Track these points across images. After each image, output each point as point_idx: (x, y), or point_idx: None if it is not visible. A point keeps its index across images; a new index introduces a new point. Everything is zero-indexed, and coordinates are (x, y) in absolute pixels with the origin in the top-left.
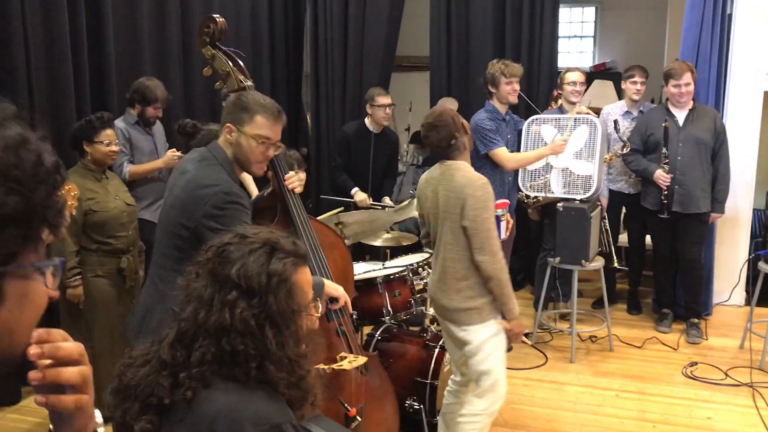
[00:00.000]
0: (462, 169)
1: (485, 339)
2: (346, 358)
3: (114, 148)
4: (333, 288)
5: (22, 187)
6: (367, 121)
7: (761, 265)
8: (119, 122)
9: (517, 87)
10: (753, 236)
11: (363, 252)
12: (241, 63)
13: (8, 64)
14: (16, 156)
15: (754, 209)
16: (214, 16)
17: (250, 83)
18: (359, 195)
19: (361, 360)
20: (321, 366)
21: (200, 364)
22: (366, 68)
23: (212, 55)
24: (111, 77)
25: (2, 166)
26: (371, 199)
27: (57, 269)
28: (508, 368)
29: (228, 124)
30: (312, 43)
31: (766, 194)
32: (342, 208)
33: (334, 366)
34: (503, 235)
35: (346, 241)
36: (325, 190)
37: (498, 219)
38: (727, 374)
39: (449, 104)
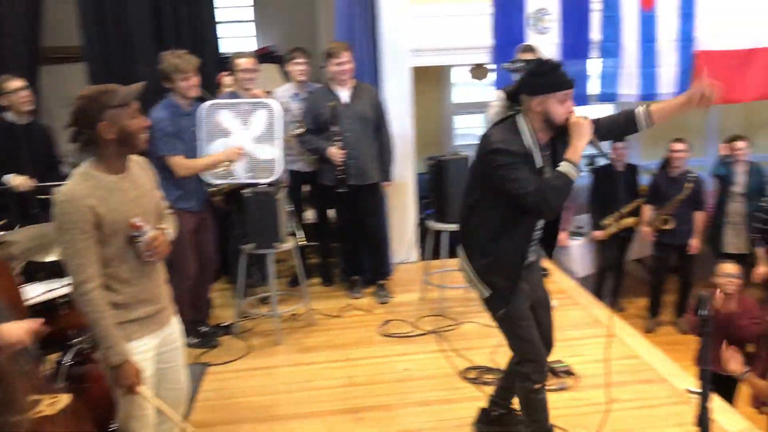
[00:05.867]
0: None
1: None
2: (41, 401)
3: None
4: (6, 333)
5: None
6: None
7: (429, 223)
8: None
9: (196, 80)
10: (420, 198)
11: (35, 271)
12: None
13: None
14: None
15: (417, 174)
16: None
17: None
18: (16, 179)
19: (64, 399)
20: (17, 418)
21: None
22: (9, 63)
23: None
24: None
25: None
26: (35, 181)
27: None
28: (215, 364)
29: None
30: None
31: (425, 160)
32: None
33: (33, 414)
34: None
35: (14, 262)
36: None
37: (132, 239)
38: (415, 325)
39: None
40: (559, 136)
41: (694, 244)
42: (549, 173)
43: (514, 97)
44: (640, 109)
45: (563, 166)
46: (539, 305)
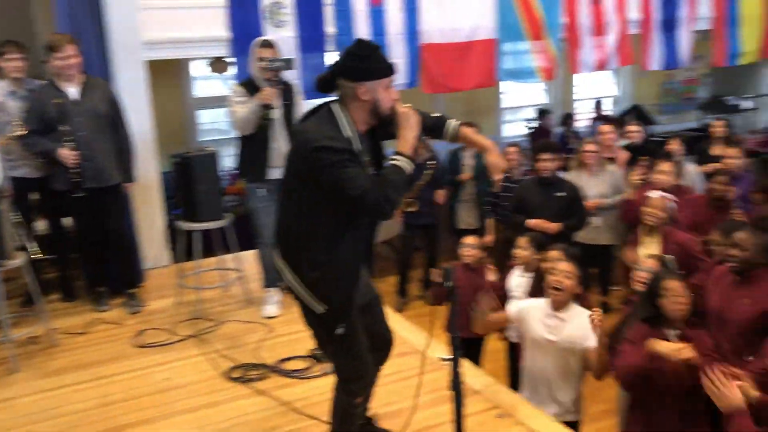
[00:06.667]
0: None
1: None
2: None
3: None
4: None
5: None
6: None
7: (178, 223)
8: None
9: None
10: (167, 198)
11: None
12: None
13: None
14: None
15: (162, 172)
16: None
17: None
18: None
19: None
20: None
21: None
22: None
23: None
24: None
25: None
26: None
27: None
28: None
29: None
30: None
31: (169, 157)
32: None
33: None
34: None
35: None
36: None
37: None
38: (173, 332)
39: None
40: (378, 126)
41: (440, 196)
42: (371, 168)
43: (326, 83)
44: (452, 123)
45: (398, 159)
46: (374, 303)
